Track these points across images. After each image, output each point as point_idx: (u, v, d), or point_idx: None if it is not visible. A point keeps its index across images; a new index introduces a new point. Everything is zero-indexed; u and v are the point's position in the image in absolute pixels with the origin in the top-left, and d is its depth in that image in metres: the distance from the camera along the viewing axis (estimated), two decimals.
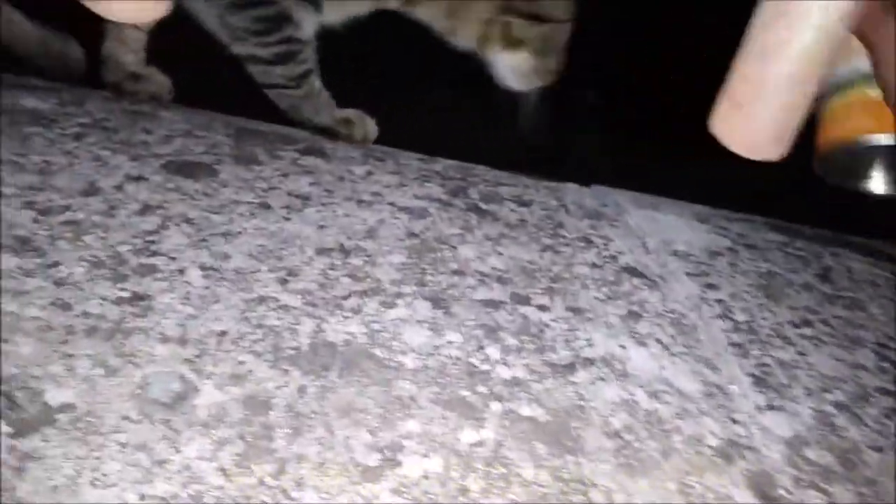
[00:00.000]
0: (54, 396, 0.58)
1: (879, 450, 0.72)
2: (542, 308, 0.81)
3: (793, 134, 0.53)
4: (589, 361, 0.75)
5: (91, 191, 0.84)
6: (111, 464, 0.54)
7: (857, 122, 0.70)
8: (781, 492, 0.64)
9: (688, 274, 0.97)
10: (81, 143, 0.95)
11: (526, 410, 0.66)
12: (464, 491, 0.58)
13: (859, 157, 0.71)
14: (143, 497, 0.52)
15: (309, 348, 0.68)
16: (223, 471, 0.55)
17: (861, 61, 0.68)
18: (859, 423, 0.75)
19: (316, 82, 1.15)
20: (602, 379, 0.72)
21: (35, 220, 0.77)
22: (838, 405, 0.77)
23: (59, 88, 1.12)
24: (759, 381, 0.78)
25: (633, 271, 0.94)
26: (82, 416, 0.57)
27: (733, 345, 0.83)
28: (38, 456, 0.54)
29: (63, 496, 0.51)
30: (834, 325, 0.91)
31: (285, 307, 0.73)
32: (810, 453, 0.69)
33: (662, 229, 1.10)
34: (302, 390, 0.63)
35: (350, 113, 1.18)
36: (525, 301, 0.82)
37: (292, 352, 0.67)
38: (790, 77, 0.49)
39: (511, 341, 0.75)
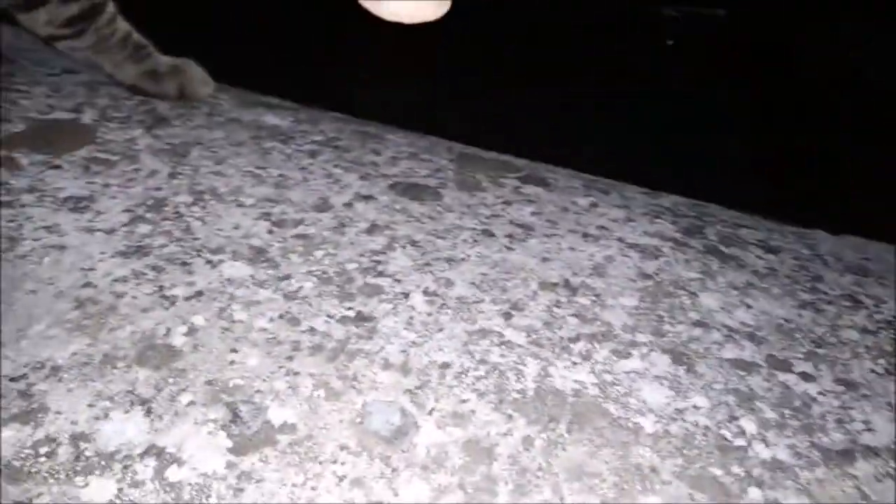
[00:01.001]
0: (277, 415, 0.56)
1: None
2: (805, 377, 0.68)
3: None
4: (870, 451, 0.61)
5: (323, 207, 0.85)
6: (327, 496, 0.50)
7: None
8: None
9: None
10: (315, 160, 0.97)
11: (794, 502, 0.54)
12: None
13: None
14: None
15: (535, 394, 0.61)
16: None
17: None
18: None
19: (109, 28, 0.99)
20: (891, 476, 0.58)
21: (270, 231, 0.78)
22: None
23: (295, 108, 1.17)
24: None
25: None
26: (302, 439, 0.54)
27: None
28: (257, 478, 0.51)
29: None
30: None
31: (509, 344, 0.67)
32: None
33: None
34: (527, 441, 0.56)
35: (177, 62, 1.03)
36: (784, 367, 0.69)
37: (517, 395, 0.61)
38: None
39: (770, 414, 0.63)
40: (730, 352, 0.70)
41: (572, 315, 0.72)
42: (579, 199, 1.00)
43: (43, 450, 0.52)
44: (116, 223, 0.76)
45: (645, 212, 0.99)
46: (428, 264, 0.77)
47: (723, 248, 0.92)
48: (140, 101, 1.04)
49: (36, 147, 0.88)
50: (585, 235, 0.89)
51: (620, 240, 0.89)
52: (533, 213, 0.93)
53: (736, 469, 0.57)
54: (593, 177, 1.11)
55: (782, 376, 0.68)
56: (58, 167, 0.84)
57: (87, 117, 0.97)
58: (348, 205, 0.86)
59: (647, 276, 0.82)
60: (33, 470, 0.50)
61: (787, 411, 0.64)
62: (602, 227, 0.92)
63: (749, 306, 0.79)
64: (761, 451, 0.59)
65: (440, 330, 0.67)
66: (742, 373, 0.68)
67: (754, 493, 0.55)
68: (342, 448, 0.54)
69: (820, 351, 0.73)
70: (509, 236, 0.86)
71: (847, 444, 0.61)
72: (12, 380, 0.56)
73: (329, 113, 1.21)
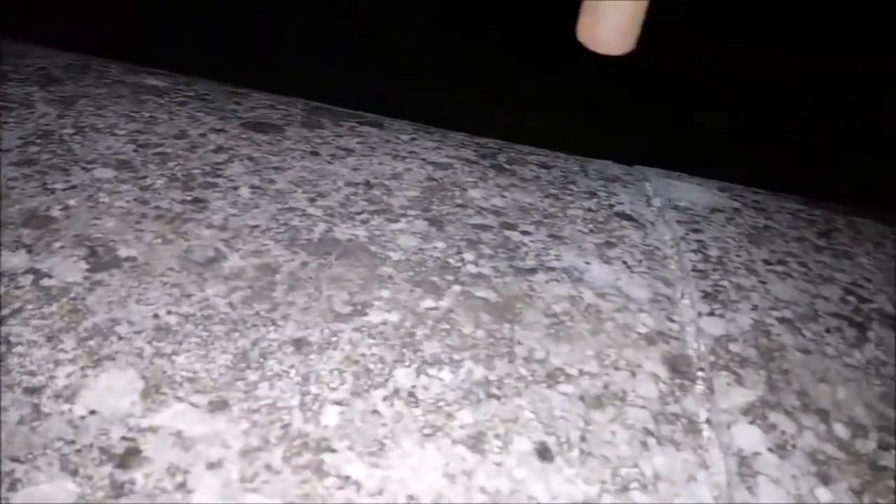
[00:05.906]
0: (124, 252, 0.80)
1: (807, 352, 0.79)
2: (524, 233, 0.95)
3: (636, 31, 0.63)
4: (550, 269, 0.88)
5: (181, 136, 1.08)
6: (153, 293, 0.74)
7: None
8: (694, 370, 0.75)
9: (679, 222, 1.07)
10: (184, 107, 1.20)
11: (481, 293, 0.81)
12: (410, 335, 0.73)
13: None
14: (178, 317, 0.72)
15: (318, 241, 0.86)
16: (231, 304, 0.74)
17: None
18: (797, 333, 0.83)
19: None
20: (557, 281, 0.85)
21: (135, 150, 1.01)
22: (782, 320, 0.85)
23: (177, 74, 1.40)
24: (709, 297, 0.87)
25: (625, 216, 1.05)
26: (141, 264, 0.78)
27: (697, 271, 0.93)
28: (105, 284, 0.75)
29: (131, 302, 0.72)
30: (811, 266, 0.98)
31: (308, 215, 0.92)
32: (735, 347, 0.79)
33: (673, 191, 1.20)
34: (304, 264, 0.81)
35: None
36: (511, 227, 0.96)
37: (304, 241, 0.86)
38: None
39: (487, 251, 0.89)
40: (475, 220, 0.97)
41: (364, 200, 0.98)
42: (404, 136, 1.26)
43: None
44: (12, 146, 0.98)
45: (456, 144, 1.26)
46: (258, 171, 1.01)
47: (506, 165, 1.18)
48: (38, 67, 1.25)
49: None
50: (396, 156, 1.15)
51: (424, 159, 1.16)
52: (359, 143, 1.18)
53: (448, 277, 0.83)
54: (432, 127, 1.37)
55: (507, 232, 0.95)
56: None
57: None
58: (203, 135, 1.10)
59: (433, 180, 1.08)
60: None
61: (501, 250, 0.90)
62: (412, 152, 1.18)
63: (504, 196, 1.06)
64: (471, 269, 0.85)
65: (256, 207, 0.92)
66: (479, 231, 0.94)
67: (456, 288, 0.81)
68: (169, 269, 0.78)
69: (546, 220, 1.00)
70: (332, 155, 1.11)
71: (535, 265, 0.88)
72: None
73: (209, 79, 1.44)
